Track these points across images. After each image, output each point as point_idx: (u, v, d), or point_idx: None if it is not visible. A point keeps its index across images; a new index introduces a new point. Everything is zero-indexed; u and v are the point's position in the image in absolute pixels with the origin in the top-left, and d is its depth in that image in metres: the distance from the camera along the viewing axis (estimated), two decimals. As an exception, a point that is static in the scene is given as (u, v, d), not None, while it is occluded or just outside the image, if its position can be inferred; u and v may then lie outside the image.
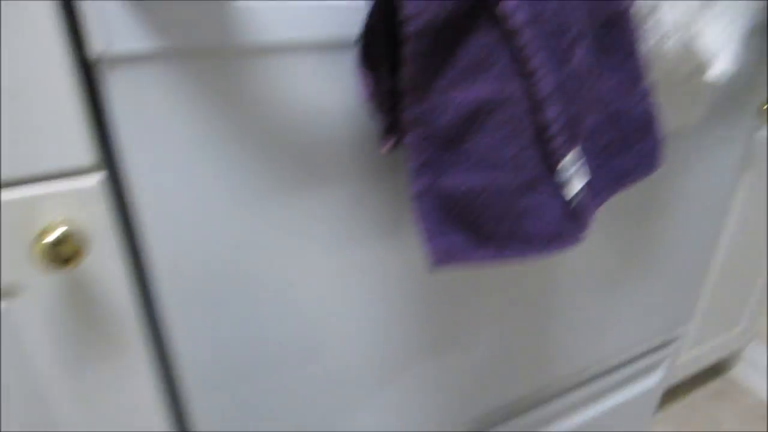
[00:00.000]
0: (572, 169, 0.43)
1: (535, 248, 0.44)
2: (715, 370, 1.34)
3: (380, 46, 0.39)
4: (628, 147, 0.48)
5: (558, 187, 0.43)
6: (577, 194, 0.44)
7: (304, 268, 0.49)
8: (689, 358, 1.10)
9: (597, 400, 0.88)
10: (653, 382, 0.95)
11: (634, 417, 0.97)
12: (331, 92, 0.43)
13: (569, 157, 0.42)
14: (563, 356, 0.77)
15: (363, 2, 0.41)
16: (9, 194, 0.37)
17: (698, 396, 1.28)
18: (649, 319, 0.84)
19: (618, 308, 0.77)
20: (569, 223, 0.44)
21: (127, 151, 0.39)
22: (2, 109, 0.35)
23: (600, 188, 0.48)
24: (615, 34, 0.45)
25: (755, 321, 1.20)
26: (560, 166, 0.42)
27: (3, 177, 0.36)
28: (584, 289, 0.70)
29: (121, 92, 0.38)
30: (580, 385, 0.84)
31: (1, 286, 0.38)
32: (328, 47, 0.42)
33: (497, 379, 0.71)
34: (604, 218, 0.65)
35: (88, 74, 0.39)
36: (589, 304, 0.72)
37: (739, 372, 1.33)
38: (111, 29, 0.35)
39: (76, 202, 0.39)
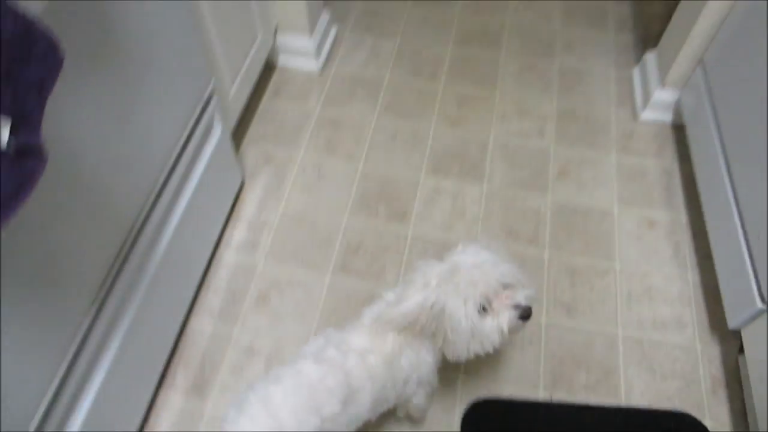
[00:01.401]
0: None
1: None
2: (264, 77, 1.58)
3: None
4: (26, 60, 0.48)
5: None
6: (10, 141, 0.45)
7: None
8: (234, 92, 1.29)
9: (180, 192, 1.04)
10: (216, 139, 1.14)
11: (221, 173, 1.19)
12: None
13: None
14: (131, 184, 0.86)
15: None
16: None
17: (266, 105, 1.54)
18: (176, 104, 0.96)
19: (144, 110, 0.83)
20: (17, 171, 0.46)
21: None
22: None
23: (32, 109, 0.49)
24: None
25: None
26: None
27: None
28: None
29: None
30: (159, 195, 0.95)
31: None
32: None
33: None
34: None
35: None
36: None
37: (282, 64, 1.62)
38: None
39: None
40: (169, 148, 0.96)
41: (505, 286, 0.81)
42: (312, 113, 1.51)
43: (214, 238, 1.23)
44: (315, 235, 1.29)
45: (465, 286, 0.78)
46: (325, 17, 1.61)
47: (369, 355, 0.82)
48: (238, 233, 1.29)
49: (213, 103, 1.10)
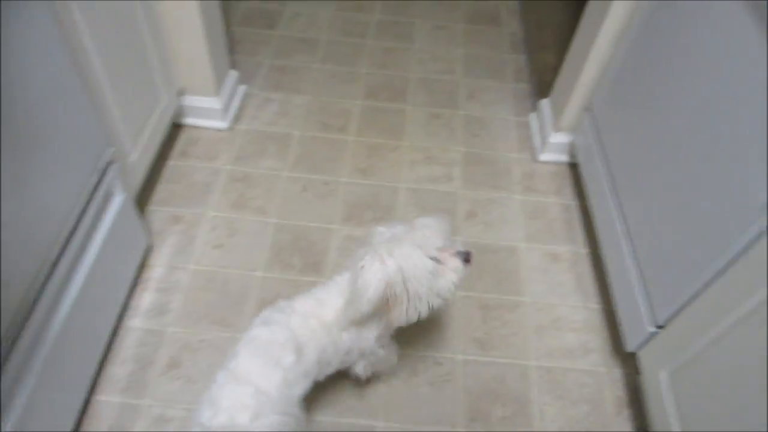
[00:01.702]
0: None
1: None
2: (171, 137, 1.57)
3: None
4: None
5: None
6: None
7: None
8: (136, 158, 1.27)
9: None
10: (117, 205, 1.11)
11: (125, 238, 1.16)
12: None
13: None
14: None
15: None
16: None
17: (173, 165, 1.52)
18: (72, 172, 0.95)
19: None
20: None
21: None
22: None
23: None
24: None
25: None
26: None
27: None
28: None
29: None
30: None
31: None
32: None
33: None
34: None
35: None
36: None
37: (189, 124, 1.61)
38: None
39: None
40: (63, 218, 0.93)
41: (443, 244, 0.91)
42: (221, 171, 1.51)
43: (119, 306, 1.18)
44: (228, 293, 1.27)
45: (417, 243, 0.86)
46: (232, 76, 1.64)
47: (311, 318, 0.90)
48: (145, 298, 1.25)
49: (112, 170, 1.08)
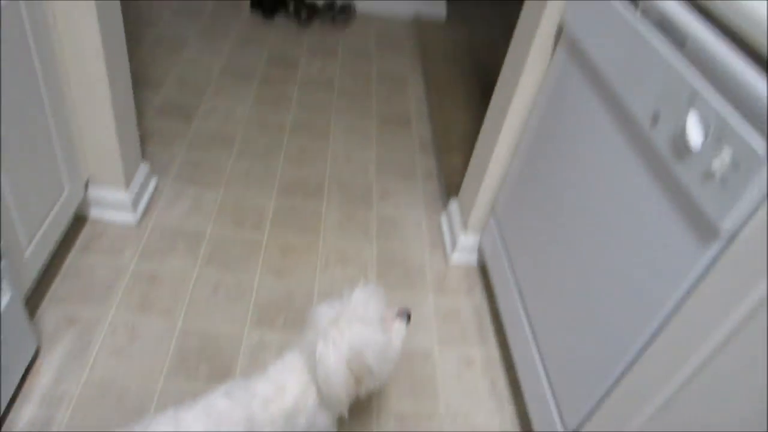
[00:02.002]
0: None
1: None
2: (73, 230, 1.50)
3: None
4: None
5: None
6: None
7: None
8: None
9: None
10: (3, 305, 1.04)
11: (9, 342, 1.06)
12: None
13: None
14: None
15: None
16: None
17: (73, 260, 1.43)
18: None
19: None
20: None
21: None
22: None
23: None
24: None
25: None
26: None
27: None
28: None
29: None
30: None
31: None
32: None
33: None
34: None
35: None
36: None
37: (94, 216, 1.54)
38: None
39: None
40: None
41: (383, 311, 0.97)
42: (126, 269, 1.43)
43: (-4, 421, 1.05)
44: (124, 404, 1.16)
45: (363, 318, 0.91)
46: (144, 169, 1.59)
47: (271, 404, 0.90)
48: (27, 411, 1.12)
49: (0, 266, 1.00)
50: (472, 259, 1.67)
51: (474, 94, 2.37)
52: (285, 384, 0.92)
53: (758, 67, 0.68)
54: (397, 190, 1.88)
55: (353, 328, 0.89)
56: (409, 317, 1.02)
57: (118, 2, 1.30)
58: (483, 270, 1.64)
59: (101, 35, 1.22)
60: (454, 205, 1.73)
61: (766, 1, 0.69)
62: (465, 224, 1.62)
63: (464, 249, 1.65)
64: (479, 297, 1.57)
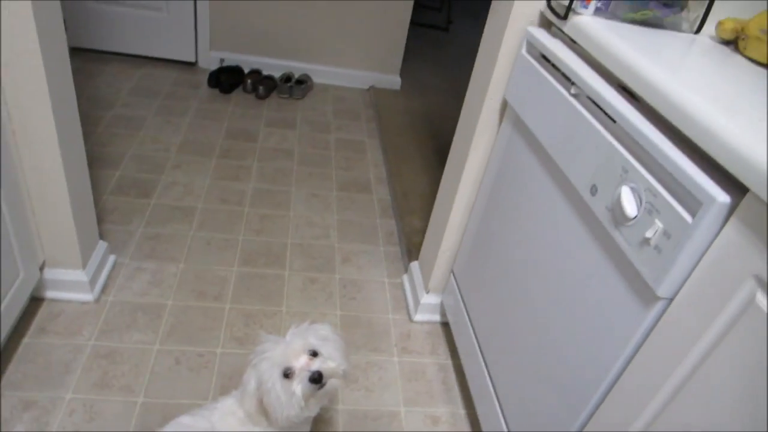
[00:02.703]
0: None
1: None
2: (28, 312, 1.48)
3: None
4: None
5: None
6: None
7: None
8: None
9: None
10: None
11: None
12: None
13: None
14: None
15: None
16: None
17: (29, 343, 1.40)
18: None
19: None
20: None
21: None
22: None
23: None
24: None
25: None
26: None
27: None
28: None
29: None
30: None
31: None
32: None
33: None
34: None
35: None
36: None
37: (51, 297, 1.52)
38: None
39: None
40: None
41: (313, 356, 0.99)
42: (84, 347, 1.40)
43: None
44: (83, 490, 1.12)
45: (272, 354, 0.98)
46: (101, 246, 1.59)
47: (229, 416, 1.03)
48: (-21, 506, 1.07)
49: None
50: (435, 318, 1.69)
51: (430, 158, 2.46)
52: (241, 399, 1.03)
53: (681, 145, 0.75)
54: (359, 253, 1.92)
55: (261, 366, 0.99)
56: (314, 379, 0.96)
57: (73, 88, 1.34)
58: (446, 328, 1.66)
59: (56, 121, 1.25)
60: (415, 267, 1.76)
61: (685, 90, 0.77)
62: (426, 285, 1.66)
63: (426, 309, 1.67)
64: (443, 355, 1.59)
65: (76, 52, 2.81)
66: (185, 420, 1.04)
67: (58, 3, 1.23)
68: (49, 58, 1.19)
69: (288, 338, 1.02)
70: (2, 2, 1.08)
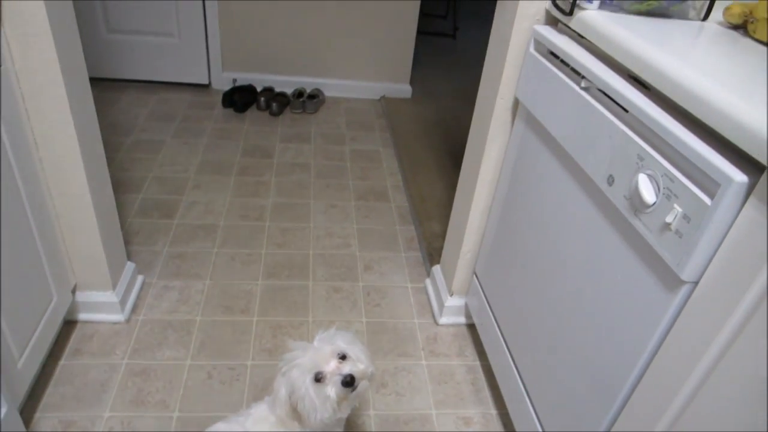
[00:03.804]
0: None
1: None
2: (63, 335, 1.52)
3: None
4: None
5: None
6: None
7: None
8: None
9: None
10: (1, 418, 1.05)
11: None
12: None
13: None
14: None
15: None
16: None
17: (65, 365, 1.44)
18: None
19: None
20: None
21: None
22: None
23: None
24: None
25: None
26: None
27: None
28: None
29: None
30: None
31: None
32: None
33: None
34: None
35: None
36: None
37: (83, 319, 1.56)
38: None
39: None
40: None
41: (342, 359, 1.01)
42: (118, 367, 1.43)
43: None
44: (125, 506, 1.15)
45: (302, 361, 1.00)
46: (129, 268, 1.63)
47: (262, 422, 1.06)
48: None
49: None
50: (460, 320, 1.70)
51: (445, 163, 2.48)
52: (273, 406, 1.06)
53: (694, 129, 0.76)
54: (381, 260, 1.93)
55: (292, 373, 1.00)
56: (347, 383, 0.98)
57: (95, 116, 1.38)
58: (472, 329, 1.67)
59: (80, 149, 1.29)
60: (437, 270, 1.77)
61: (695, 73, 0.78)
62: (449, 287, 1.66)
63: (451, 311, 1.68)
64: (471, 357, 1.59)
65: (93, 81, 2.86)
66: (220, 426, 1.08)
67: (78, 35, 1.27)
68: (72, 88, 1.23)
69: (316, 344, 1.04)
70: (28, 39, 1.13)
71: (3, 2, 1.09)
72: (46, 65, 1.17)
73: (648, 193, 0.79)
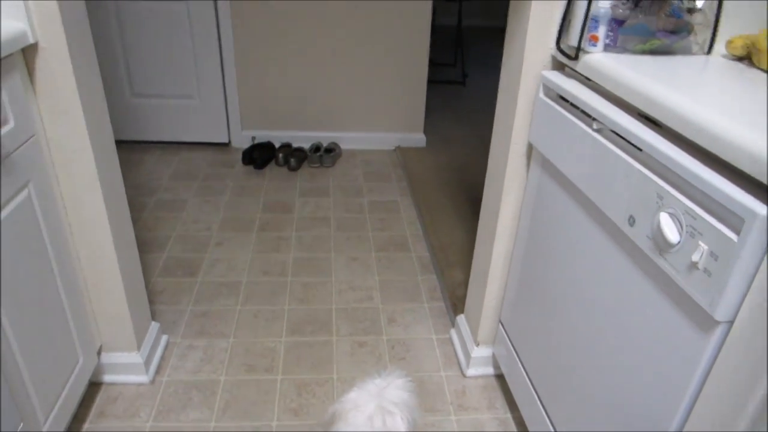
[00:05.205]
0: None
1: None
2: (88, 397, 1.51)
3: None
4: None
5: None
6: None
7: None
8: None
9: None
10: None
11: None
12: None
13: None
14: None
15: None
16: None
17: (89, 429, 1.42)
18: None
19: None
20: None
21: None
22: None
23: None
24: None
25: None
26: None
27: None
28: None
29: None
30: None
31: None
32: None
33: None
34: None
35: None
36: None
37: (108, 381, 1.56)
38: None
39: None
40: None
41: (395, 406, 1.05)
42: (143, 429, 1.42)
43: None
44: None
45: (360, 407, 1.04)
46: (154, 328, 1.63)
47: None
48: None
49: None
50: (489, 371, 1.66)
51: (464, 210, 2.48)
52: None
53: (710, 164, 0.75)
54: (404, 312, 1.91)
55: (357, 416, 1.03)
56: None
57: (121, 179, 1.42)
58: (502, 380, 1.62)
59: (107, 212, 1.32)
60: (462, 320, 1.75)
61: (708, 108, 0.78)
62: (475, 337, 1.63)
63: (479, 362, 1.64)
64: (502, 409, 1.54)
65: (118, 144, 2.96)
66: None
67: (105, 103, 1.32)
68: (99, 154, 1.27)
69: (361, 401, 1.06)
70: (59, 109, 1.18)
71: (29, 71, 1.14)
72: (76, 133, 1.21)
73: (671, 233, 0.78)
